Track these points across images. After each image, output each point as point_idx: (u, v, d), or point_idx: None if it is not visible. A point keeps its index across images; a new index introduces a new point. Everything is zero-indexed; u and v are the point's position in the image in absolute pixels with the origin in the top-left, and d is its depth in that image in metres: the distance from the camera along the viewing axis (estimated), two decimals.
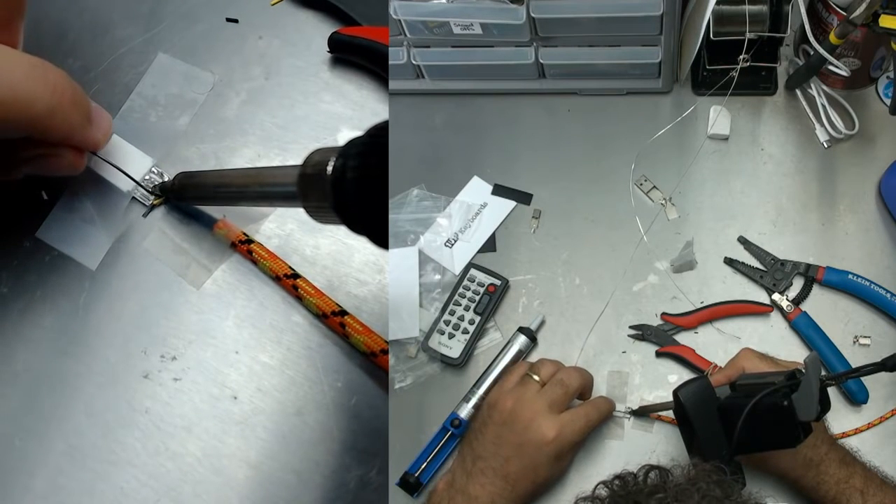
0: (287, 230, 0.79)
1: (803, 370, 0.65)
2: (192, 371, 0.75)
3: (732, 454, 0.67)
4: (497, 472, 0.75)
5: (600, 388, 0.84)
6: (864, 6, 0.76)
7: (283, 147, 0.83)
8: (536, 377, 0.79)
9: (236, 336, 0.76)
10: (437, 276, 0.89)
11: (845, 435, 0.82)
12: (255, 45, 0.87)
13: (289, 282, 0.76)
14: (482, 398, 0.82)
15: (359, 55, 0.84)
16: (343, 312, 0.74)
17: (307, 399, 0.74)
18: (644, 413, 0.83)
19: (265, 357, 0.75)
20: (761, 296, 0.87)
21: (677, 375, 0.85)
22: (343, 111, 0.84)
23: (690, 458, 0.68)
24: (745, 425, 0.65)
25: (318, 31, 0.86)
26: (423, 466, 0.82)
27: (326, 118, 0.84)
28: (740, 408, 0.65)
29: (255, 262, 0.77)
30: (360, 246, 0.79)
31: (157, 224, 0.79)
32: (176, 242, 0.78)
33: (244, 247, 0.77)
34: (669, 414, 0.81)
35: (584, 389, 0.81)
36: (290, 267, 0.76)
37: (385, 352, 0.73)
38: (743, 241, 0.89)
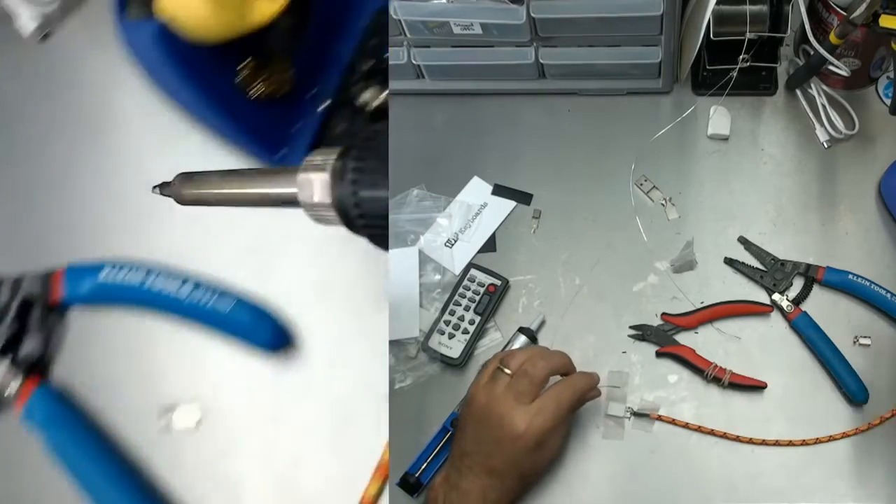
0: None
1: None
2: None
3: None
4: (482, 467, 0.75)
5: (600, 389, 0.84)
6: (864, 6, 0.76)
7: None
8: (507, 370, 0.77)
9: None
10: (437, 276, 0.89)
11: (846, 435, 0.81)
12: None
13: None
14: None
15: None
16: None
17: None
18: (644, 413, 0.83)
19: None
20: (761, 296, 0.87)
21: (677, 375, 0.85)
22: None
23: None
24: None
25: None
26: (423, 467, 0.82)
27: None
28: None
29: None
30: None
31: None
32: None
33: None
34: (669, 414, 0.82)
35: (557, 370, 0.78)
36: None
37: None
38: (743, 241, 0.88)
